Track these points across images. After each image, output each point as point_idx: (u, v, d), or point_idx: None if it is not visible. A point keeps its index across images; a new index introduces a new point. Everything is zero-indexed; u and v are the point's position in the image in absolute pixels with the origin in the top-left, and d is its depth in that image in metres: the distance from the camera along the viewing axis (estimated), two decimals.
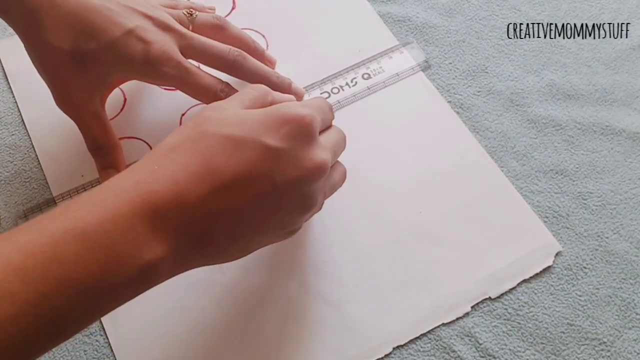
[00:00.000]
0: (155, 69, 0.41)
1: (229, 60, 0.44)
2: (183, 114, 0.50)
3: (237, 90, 0.44)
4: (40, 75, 0.42)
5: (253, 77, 0.45)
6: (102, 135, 0.44)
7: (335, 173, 0.39)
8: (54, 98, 0.43)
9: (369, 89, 0.51)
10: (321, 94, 0.51)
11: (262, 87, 0.38)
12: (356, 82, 0.51)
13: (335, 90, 0.51)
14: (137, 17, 0.42)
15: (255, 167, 0.32)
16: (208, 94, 0.43)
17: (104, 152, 0.44)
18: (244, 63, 0.44)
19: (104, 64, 0.41)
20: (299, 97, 0.48)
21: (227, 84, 0.44)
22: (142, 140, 0.48)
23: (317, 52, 0.53)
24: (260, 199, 0.32)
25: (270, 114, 0.34)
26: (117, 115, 0.50)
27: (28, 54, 0.42)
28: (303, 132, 0.34)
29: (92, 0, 0.40)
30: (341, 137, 0.39)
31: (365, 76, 0.52)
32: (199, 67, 0.43)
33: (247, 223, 0.33)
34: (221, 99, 0.40)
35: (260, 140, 0.32)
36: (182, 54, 0.43)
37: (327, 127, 0.39)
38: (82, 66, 0.41)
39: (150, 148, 0.48)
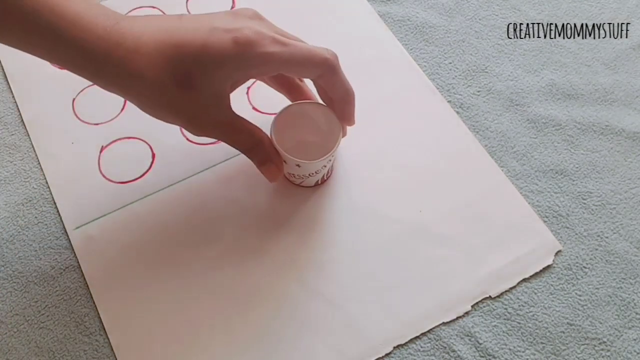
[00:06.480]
0: (250, 54, 0.37)
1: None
2: None
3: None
4: (158, 116, 0.40)
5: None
6: (246, 138, 0.41)
7: None
8: (189, 131, 0.40)
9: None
10: None
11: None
12: None
13: None
14: (218, 16, 0.39)
15: None
16: (316, 59, 0.39)
17: (255, 150, 0.42)
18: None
19: (205, 74, 0.38)
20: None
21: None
22: (142, 140, 0.48)
23: None
24: None
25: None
26: (117, 116, 0.50)
27: (135, 104, 0.40)
28: None
29: (171, 22, 0.38)
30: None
31: None
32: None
33: None
34: (334, 64, 0.39)
35: None
36: None
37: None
38: (191, 88, 0.38)
39: (151, 148, 0.48)
